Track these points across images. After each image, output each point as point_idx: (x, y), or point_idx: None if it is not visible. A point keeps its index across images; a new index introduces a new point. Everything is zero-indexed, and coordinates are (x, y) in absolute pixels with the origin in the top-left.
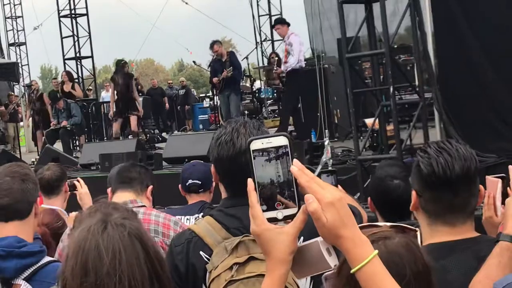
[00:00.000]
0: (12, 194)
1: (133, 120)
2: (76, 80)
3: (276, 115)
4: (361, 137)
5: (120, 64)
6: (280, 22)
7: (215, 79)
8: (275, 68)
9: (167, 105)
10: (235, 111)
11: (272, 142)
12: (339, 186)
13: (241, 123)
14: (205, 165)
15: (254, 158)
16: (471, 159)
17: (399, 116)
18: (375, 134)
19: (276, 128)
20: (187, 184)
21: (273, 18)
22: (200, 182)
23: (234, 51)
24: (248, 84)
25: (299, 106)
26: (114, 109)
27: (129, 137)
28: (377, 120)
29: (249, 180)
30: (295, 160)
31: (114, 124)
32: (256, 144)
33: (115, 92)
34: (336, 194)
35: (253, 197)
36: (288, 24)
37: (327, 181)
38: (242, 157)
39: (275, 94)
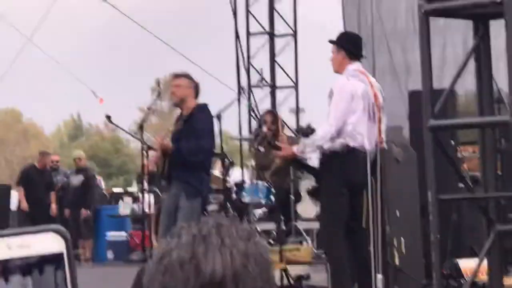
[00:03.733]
0: None
1: None
2: None
3: (272, 241)
4: None
5: None
6: (336, 42)
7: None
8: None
9: (53, 207)
10: None
11: (29, 246)
12: None
13: (211, 227)
14: None
15: None
16: None
17: None
18: None
19: None
20: None
21: (281, 40)
22: None
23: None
24: (217, 173)
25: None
26: None
27: None
28: (484, 263)
29: None
30: None
31: None
32: None
33: None
34: None
35: None
36: (354, 53)
37: None
38: None
39: (271, 197)
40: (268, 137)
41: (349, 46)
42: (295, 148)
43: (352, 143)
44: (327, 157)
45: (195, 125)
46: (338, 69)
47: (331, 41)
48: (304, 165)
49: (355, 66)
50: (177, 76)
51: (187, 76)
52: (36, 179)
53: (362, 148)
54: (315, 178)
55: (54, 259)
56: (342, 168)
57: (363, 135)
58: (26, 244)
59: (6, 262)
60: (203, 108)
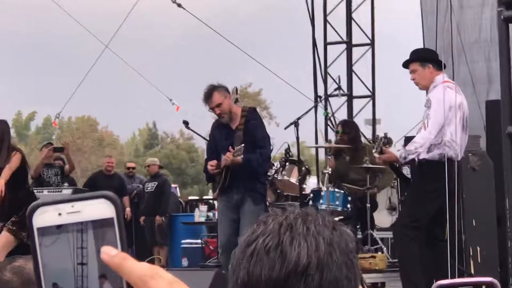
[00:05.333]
0: None
1: (5, 239)
2: None
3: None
4: None
5: None
6: (419, 59)
7: (211, 164)
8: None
9: (127, 210)
10: None
11: (80, 212)
12: None
13: (297, 215)
14: None
15: (41, 244)
16: None
17: None
18: None
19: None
20: None
21: (358, 49)
22: None
23: (257, 109)
24: (293, 180)
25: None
26: None
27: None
28: None
29: None
30: (104, 249)
31: None
32: (46, 216)
33: None
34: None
35: None
36: (439, 63)
37: None
38: (301, 281)
39: (348, 205)
40: (380, 141)
41: (433, 57)
42: (398, 154)
43: (450, 153)
44: (425, 165)
45: (254, 134)
46: (427, 84)
47: (411, 60)
48: (400, 172)
49: (442, 77)
50: (207, 96)
51: (214, 89)
52: (102, 185)
53: (456, 157)
54: (406, 187)
55: (104, 224)
56: (439, 178)
57: (459, 145)
58: (77, 210)
59: (58, 227)
60: (255, 113)
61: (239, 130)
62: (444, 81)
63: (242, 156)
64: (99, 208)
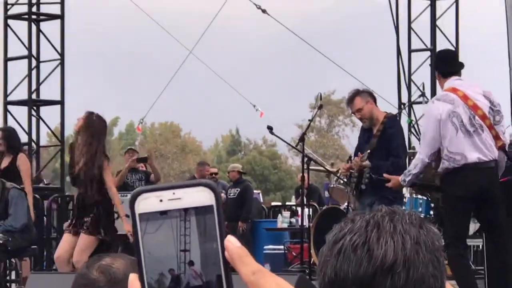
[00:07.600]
0: None
1: (83, 241)
2: (25, 149)
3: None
4: None
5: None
6: (439, 60)
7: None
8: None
9: None
10: None
11: (181, 199)
12: None
13: (384, 214)
14: None
15: (143, 230)
16: None
17: None
18: None
19: None
20: None
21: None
22: None
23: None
24: None
25: None
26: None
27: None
28: None
29: (132, 277)
30: (230, 237)
31: (61, 241)
32: (148, 202)
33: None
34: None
35: None
36: (440, 69)
37: None
38: (387, 278)
39: (431, 212)
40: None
41: (438, 64)
42: (399, 178)
43: (452, 165)
44: (441, 180)
45: (390, 143)
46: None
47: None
48: (428, 186)
49: (449, 83)
50: (349, 101)
51: (357, 94)
52: None
53: (469, 164)
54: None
55: (205, 211)
56: (450, 188)
57: (462, 154)
58: (178, 197)
59: (161, 213)
60: (394, 121)
61: (375, 136)
62: (444, 89)
63: (367, 161)
64: (199, 196)
